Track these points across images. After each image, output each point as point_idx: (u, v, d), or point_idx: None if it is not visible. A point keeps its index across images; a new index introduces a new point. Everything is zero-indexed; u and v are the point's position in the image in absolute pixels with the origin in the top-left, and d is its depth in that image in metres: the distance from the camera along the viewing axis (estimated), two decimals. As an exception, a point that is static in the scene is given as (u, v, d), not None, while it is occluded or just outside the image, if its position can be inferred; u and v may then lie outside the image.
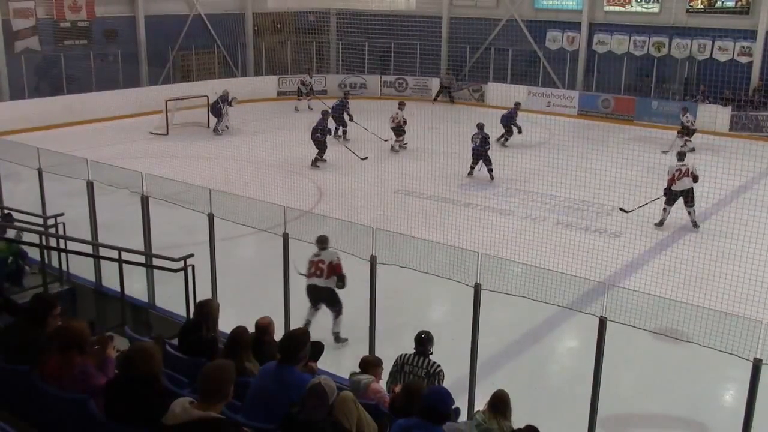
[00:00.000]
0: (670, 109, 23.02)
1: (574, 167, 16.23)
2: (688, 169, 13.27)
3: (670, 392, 8.15)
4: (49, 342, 4.49)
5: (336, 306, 8.78)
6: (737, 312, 6.09)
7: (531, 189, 15.74)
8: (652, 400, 8.04)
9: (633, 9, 24.49)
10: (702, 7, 23.24)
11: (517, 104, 20.82)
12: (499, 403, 5.12)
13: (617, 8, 24.74)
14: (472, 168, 16.83)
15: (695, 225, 13.39)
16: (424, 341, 6.42)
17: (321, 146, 17.63)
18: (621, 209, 13.48)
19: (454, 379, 6.61)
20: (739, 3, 22.62)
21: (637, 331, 5.94)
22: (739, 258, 10.47)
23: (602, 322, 5.89)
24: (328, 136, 18.04)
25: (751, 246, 10.74)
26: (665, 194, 13.41)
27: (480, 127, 16.92)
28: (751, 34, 22.32)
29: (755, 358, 5.25)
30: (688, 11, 23.39)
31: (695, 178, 13.24)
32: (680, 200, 13.36)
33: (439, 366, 6.31)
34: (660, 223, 13.42)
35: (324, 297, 8.76)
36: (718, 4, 23.01)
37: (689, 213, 13.42)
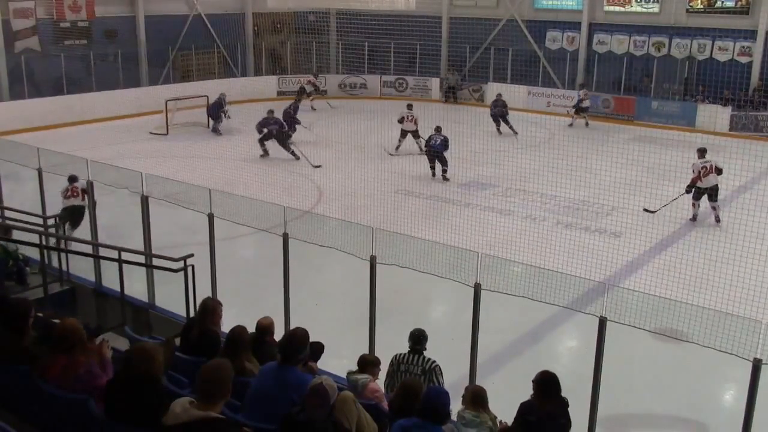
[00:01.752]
0: (670, 109, 23.06)
1: (574, 167, 16.25)
2: (712, 165, 13.46)
3: (670, 392, 8.15)
4: (42, 344, 4.49)
5: (80, 222, 11.35)
6: (737, 312, 6.09)
7: (531, 189, 15.73)
8: (652, 400, 8.04)
9: (633, 9, 24.49)
10: (702, 7, 23.24)
11: (499, 96, 21.28)
12: (480, 398, 5.19)
13: (617, 8, 24.73)
14: (443, 171, 16.61)
15: (718, 220, 13.54)
16: (418, 339, 6.42)
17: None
18: (645, 210, 13.66)
19: (454, 379, 6.61)
20: (739, 3, 22.61)
21: (637, 331, 5.94)
22: (739, 258, 10.46)
23: (602, 322, 5.89)
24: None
25: (751, 246, 10.74)
26: (688, 191, 13.59)
27: (438, 129, 16.87)
28: (751, 34, 22.32)
29: (755, 358, 5.25)
30: (688, 11, 23.39)
31: (719, 171, 13.48)
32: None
33: (434, 362, 6.30)
34: (694, 218, 13.65)
35: (78, 213, 11.42)
36: (718, 4, 23.02)
37: (713, 208, 13.58)
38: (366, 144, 18.82)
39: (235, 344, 5.26)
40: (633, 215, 13.28)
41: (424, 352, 6.38)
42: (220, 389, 3.64)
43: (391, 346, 7.87)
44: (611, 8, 24.82)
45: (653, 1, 24.03)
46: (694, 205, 13.63)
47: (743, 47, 22.44)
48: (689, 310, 5.63)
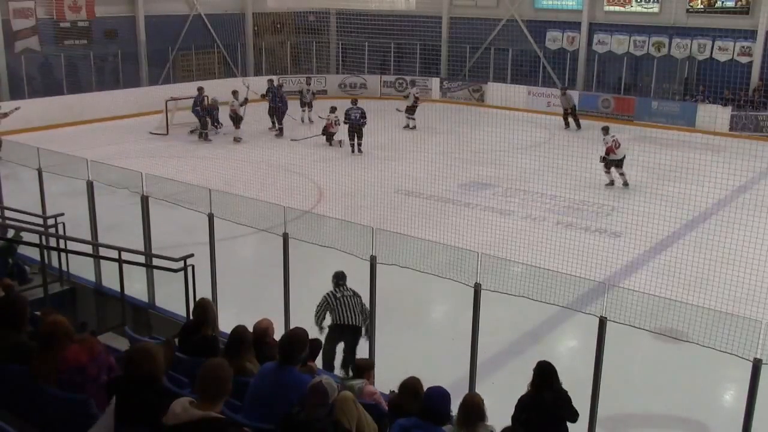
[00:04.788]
0: (670, 109, 23.06)
1: (574, 167, 16.25)
2: (617, 138, 16.02)
3: (670, 392, 8.15)
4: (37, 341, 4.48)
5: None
6: (737, 312, 6.08)
7: (531, 189, 15.73)
8: (652, 400, 8.04)
9: (633, 9, 24.49)
10: (702, 7, 23.24)
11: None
12: (471, 413, 4.48)
13: (617, 8, 24.74)
14: (359, 145, 18.61)
15: (626, 183, 15.91)
16: (341, 276, 8.10)
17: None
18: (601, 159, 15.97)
19: (454, 379, 6.61)
20: (739, 3, 22.61)
21: (637, 331, 5.94)
22: (739, 258, 10.46)
23: (602, 322, 5.89)
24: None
25: (751, 246, 10.74)
26: (602, 160, 15.99)
27: (354, 101, 19.23)
28: (751, 34, 22.32)
29: (755, 358, 5.25)
30: (688, 11, 23.38)
31: (620, 144, 16.13)
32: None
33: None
34: (612, 183, 16.05)
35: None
36: (718, 4, 23.01)
37: (623, 174, 15.93)
38: (366, 144, 18.85)
39: (237, 344, 5.27)
40: (633, 215, 13.25)
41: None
42: (219, 389, 3.64)
43: (391, 345, 7.87)
44: (611, 8, 24.82)
45: (653, 1, 24.03)
46: (608, 173, 16.04)
47: (743, 47, 22.44)
48: (689, 310, 5.62)
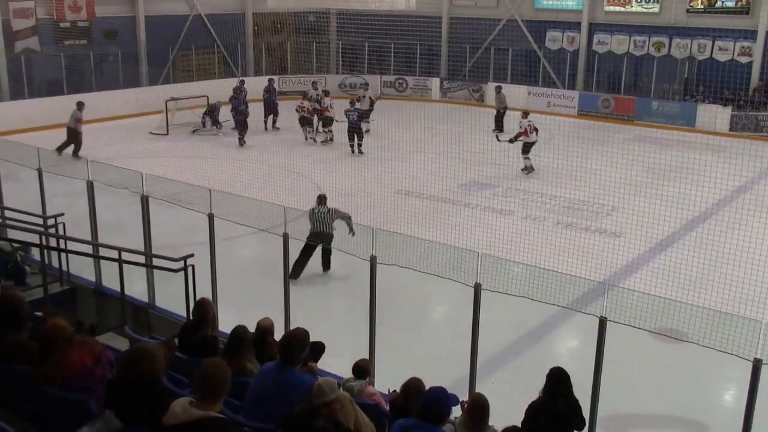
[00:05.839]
0: (670, 109, 23.06)
1: (574, 167, 16.24)
2: (532, 124, 16.80)
3: (670, 392, 8.15)
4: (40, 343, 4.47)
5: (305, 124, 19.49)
6: (737, 312, 6.09)
7: (531, 189, 15.73)
8: (652, 400, 8.04)
9: (633, 9, 24.50)
10: (702, 7, 23.25)
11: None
12: (480, 411, 4.47)
13: (617, 8, 24.74)
14: (359, 145, 18.55)
15: (527, 169, 16.74)
16: (322, 198, 10.54)
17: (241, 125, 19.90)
18: (497, 137, 17.54)
19: (454, 379, 6.61)
20: (739, 3, 22.62)
21: (637, 331, 5.94)
22: (739, 258, 10.46)
23: (602, 322, 5.89)
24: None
25: (751, 246, 10.74)
26: (512, 142, 16.81)
27: (352, 102, 19.39)
28: (751, 34, 22.32)
29: (755, 358, 5.25)
30: (688, 11, 23.39)
31: (537, 131, 16.90)
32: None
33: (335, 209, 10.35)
34: (530, 169, 16.74)
35: (303, 121, 19.48)
36: (718, 4, 23.02)
37: (527, 159, 16.75)
38: (365, 144, 18.86)
39: (237, 344, 5.27)
40: (633, 215, 13.25)
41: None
42: (218, 388, 3.64)
43: (391, 345, 7.87)
44: (611, 8, 24.83)
45: (653, 1, 24.04)
46: (526, 158, 16.69)
47: (743, 47, 22.45)
48: (689, 310, 5.63)
